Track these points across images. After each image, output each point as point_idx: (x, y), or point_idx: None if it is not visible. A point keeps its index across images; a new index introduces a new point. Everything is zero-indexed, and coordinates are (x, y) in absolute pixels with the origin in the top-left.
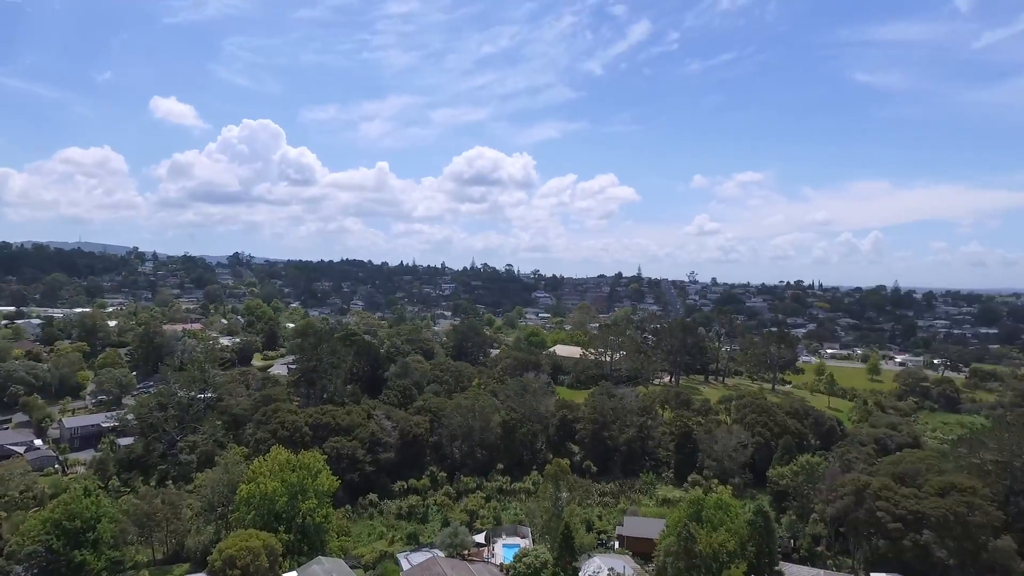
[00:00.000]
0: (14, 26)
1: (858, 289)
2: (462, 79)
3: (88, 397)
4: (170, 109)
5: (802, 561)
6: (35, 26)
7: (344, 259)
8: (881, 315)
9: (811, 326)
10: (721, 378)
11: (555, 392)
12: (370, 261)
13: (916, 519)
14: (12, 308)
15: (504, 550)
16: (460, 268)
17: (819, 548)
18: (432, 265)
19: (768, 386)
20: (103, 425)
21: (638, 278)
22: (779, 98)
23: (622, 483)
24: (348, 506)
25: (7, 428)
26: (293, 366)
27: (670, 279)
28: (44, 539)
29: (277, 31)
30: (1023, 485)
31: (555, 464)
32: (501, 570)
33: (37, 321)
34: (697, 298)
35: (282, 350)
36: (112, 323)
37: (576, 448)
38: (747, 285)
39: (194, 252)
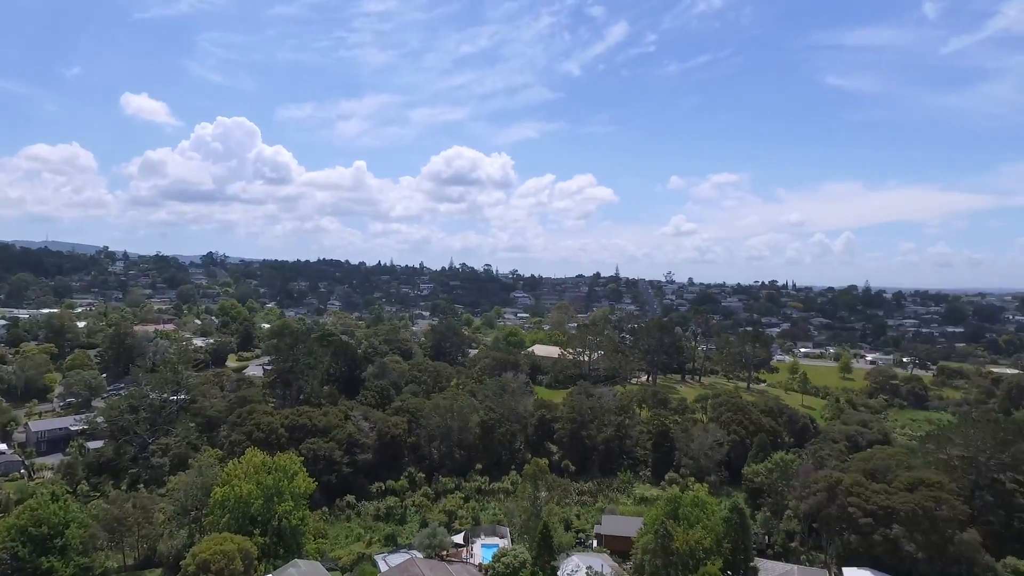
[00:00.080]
0: None
1: (830, 289)
2: (440, 78)
3: (56, 400)
4: (141, 105)
5: (776, 557)
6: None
7: (321, 259)
8: (852, 314)
9: (785, 325)
10: (697, 377)
11: (534, 392)
12: (347, 261)
13: (886, 514)
14: None
15: (483, 550)
16: (438, 268)
17: (793, 544)
18: (410, 265)
19: (743, 385)
20: (71, 428)
21: (616, 278)
22: (754, 100)
23: (600, 482)
24: (325, 508)
25: None
26: (269, 367)
27: (647, 279)
28: (9, 546)
29: (252, 27)
30: (988, 479)
31: (534, 464)
32: (480, 570)
33: (2, 322)
34: (674, 298)
35: (257, 351)
36: (81, 324)
37: (554, 447)
38: (723, 285)
39: (166, 251)
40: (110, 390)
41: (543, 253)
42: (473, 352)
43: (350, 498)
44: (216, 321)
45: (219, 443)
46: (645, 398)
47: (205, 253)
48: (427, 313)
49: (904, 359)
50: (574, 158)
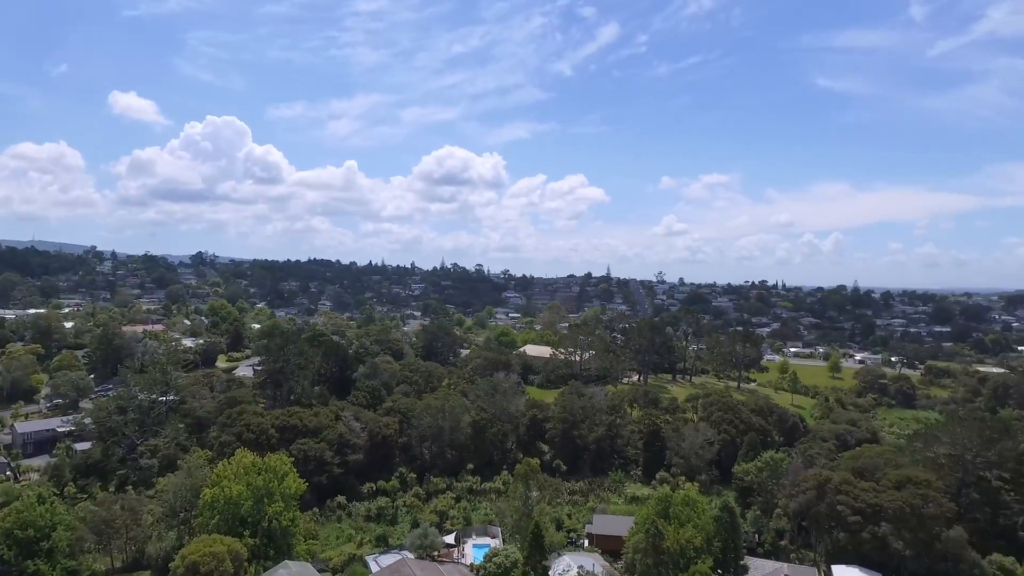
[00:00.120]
0: None
1: (820, 289)
2: (432, 78)
3: (42, 401)
4: (130, 104)
5: (766, 555)
6: None
7: (311, 259)
8: (841, 314)
9: (775, 325)
10: (688, 377)
11: (525, 392)
12: (338, 261)
13: (874, 512)
14: None
15: (474, 550)
16: (430, 268)
17: (783, 542)
18: (401, 265)
19: (734, 384)
20: (58, 430)
21: (607, 278)
22: (744, 101)
23: (591, 481)
24: (316, 509)
25: None
26: (259, 367)
27: (638, 279)
28: None
29: (243, 26)
30: (974, 477)
31: (525, 463)
32: (471, 570)
33: None
34: (665, 298)
35: (247, 351)
36: (68, 324)
37: (546, 447)
38: (713, 285)
39: (155, 251)
40: (98, 391)
41: (534, 253)
42: (464, 352)
43: (341, 499)
44: (206, 321)
45: (209, 444)
46: (636, 398)
47: (194, 253)
48: (418, 313)
49: (892, 358)
50: (565, 158)
